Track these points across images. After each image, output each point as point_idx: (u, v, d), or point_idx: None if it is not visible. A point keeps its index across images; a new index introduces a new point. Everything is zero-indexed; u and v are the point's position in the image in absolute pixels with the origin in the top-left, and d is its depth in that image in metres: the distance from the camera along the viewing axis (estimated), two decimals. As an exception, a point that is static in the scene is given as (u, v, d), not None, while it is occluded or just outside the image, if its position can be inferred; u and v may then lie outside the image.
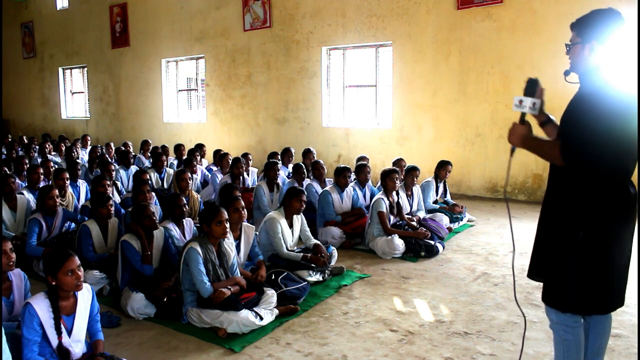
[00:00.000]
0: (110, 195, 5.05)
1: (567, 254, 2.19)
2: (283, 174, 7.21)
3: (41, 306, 2.54)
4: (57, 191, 4.84)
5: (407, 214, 5.69)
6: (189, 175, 5.73)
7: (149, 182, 5.92)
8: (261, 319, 3.42)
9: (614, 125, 2.02)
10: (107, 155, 8.65)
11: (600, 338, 2.37)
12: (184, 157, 8.57)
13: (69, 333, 2.62)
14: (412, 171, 5.93)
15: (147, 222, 3.89)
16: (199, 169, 7.62)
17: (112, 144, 10.45)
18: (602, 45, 2.16)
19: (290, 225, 4.57)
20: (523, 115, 2.33)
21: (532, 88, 2.33)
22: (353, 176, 6.14)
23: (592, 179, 2.13)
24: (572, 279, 2.18)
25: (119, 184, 6.49)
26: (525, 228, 5.75)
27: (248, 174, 7.13)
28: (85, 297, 2.72)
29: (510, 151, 2.40)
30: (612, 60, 2.17)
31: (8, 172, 6.61)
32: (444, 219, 5.95)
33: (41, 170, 5.93)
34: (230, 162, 6.94)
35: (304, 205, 4.54)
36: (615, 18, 2.16)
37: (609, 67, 2.17)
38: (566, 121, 2.23)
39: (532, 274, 2.40)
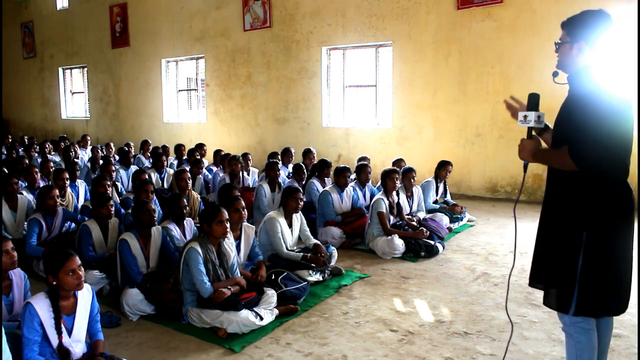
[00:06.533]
0: (110, 195, 5.05)
1: (574, 256, 2.17)
2: (283, 174, 7.21)
3: (41, 306, 2.54)
4: (57, 191, 4.85)
5: (407, 215, 5.69)
6: (189, 175, 5.72)
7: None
8: (261, 319, 3.42)
9: (612, 125, 2.05)
10: (110, 157, 8.65)
11: (605, 336, 2.36)
12: (184, 158, 8.60)
13: (69, 333, 2.62)
14: (408, 173, 5.94)
15: (146, 218, 3.91)
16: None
17: (112, 144, 10.48)
18: (590, 46, 2.19)
19: (290, 225, 4.57)
20: (530, 130, 2.38)
21: (535, 102, 2.37)
22: (353, 176, 6.15)
23: (593, 179, 2.13)
24: (582, 282, 2.16)
25: (119, 184, 6.48)
26: (525, 228, 5.72)
27: (248, 174, 7.13)
28: (85, 297, 2.73)
29: (523, 167, 2.43)
30: (601, 62, 2.20)
31: (8, 172, 6.60)
32: (444, 219, 5.95)
33: (36, 170, 5.92)
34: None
35: (301, 204, 4.53)
36: (604, 19, 2.18)
37: (598, 68, 2.19)
38: (561, 125, 2.24)
39: (534, 281, 2.38)
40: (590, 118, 2.05)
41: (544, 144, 2.39)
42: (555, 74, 2.33)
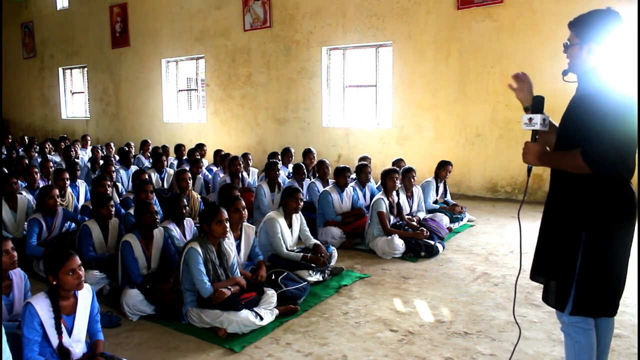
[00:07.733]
0: (111, 195, 5.05)
1: (573, 255, 2.16)
2: (283, 174, 7.21)
3: (42, 306, 2.54)
4: (57, 191, 4.84)
5: (407, 215, 5.69)
6: (189, 175, 5.72)
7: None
8: (261, 319, 3.42)
9: (624, 127, 2.01)
10: (110, 157, 8.65)
11: (606, 336, 2.37)
12: (184, 158, 8.60)
13: (69, 333, 2.62)
14: (408, 172, 5.94)
15: (148, 219, 3.90)
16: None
17: (112, 144, 10.48)
18: (600, 47, 2.14)
19: (290, 225, 4.57)
20: (534, 132, 2.33)
21: (540, 105, 2.32)
22: (353, 176, 6.14)
23: (597, 180, 2.10)
24: (580, 281, 2.15)
25: (119, 184, 6.48)
26: (525, 228, 5.74)
27: (248, 174, 7.13)
28: (85, 297, 2.72)
29: (527, 171, 2.40)
30: (610, 61, 2.15)
31: (8, 172, 6.60)
32: (444, 219, 5.95)
33: (36, 170, 5.92)
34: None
35: (301, 204, 4.53)
36: (613, 18, 2.13)
37: (608, 67, 2.14)
38: (569, 125, 2.21)
39: (535, 274, 2.38)
40: (603, 119, 2.01)
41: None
42: (564, 73, 2.29)
